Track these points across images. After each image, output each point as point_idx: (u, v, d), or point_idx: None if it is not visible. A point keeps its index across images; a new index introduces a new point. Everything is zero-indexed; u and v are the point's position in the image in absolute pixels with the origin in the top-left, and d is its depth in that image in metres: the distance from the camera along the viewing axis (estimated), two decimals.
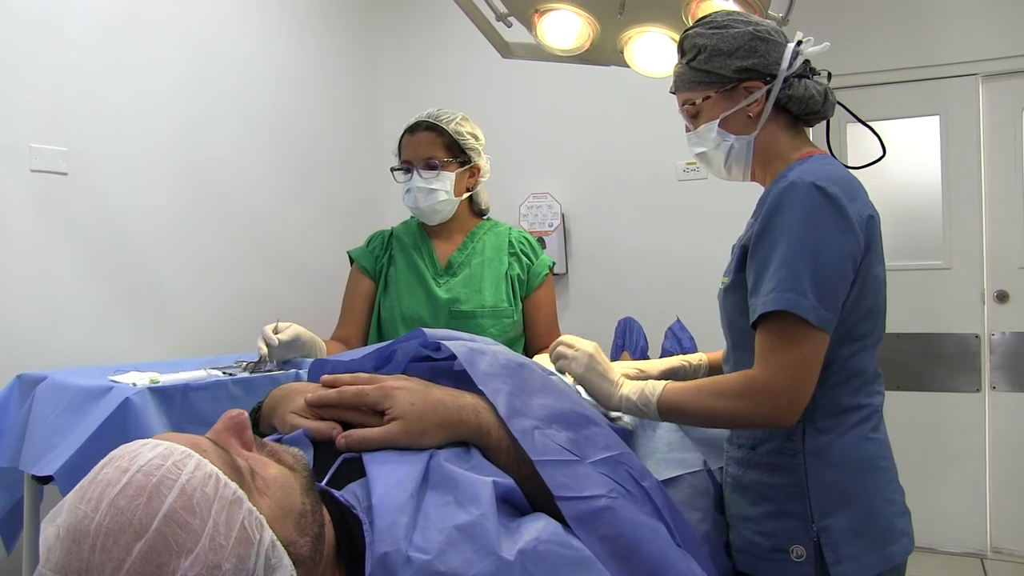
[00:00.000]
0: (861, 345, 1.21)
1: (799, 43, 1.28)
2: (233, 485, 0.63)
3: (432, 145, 1.92)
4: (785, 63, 1.26)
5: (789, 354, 1.12)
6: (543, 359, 1.84)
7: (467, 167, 1.97)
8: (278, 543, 0.65)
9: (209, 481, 0.62)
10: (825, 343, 1.14)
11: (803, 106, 1.28)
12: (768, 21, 1.31)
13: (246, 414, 0.73)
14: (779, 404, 1.12)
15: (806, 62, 1.29)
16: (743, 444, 1.28)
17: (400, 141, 1.98)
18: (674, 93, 1.39)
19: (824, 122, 1.38)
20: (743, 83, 1.27)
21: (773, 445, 1.23)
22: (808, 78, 1.29)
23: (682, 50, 1.34)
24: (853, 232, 1.15)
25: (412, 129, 1.95)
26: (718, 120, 1.29)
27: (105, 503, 0.59)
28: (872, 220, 1.19)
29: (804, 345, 1.12)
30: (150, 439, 0.66)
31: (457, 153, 1.95)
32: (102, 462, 0.64)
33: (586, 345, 1.31)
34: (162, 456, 0.62)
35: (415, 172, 1.92)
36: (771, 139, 1.29)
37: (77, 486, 0.63)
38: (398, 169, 1.97)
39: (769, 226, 1.16)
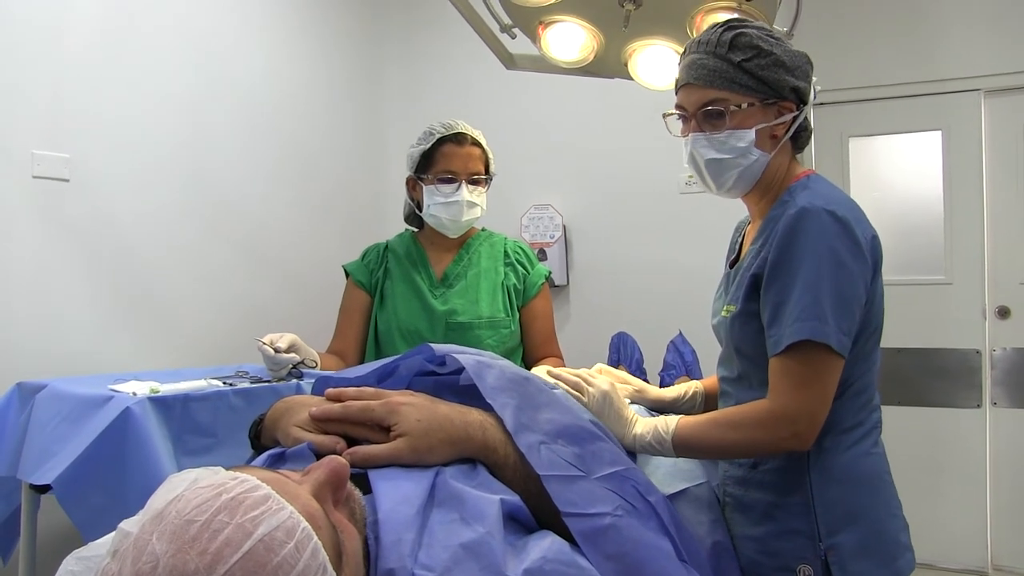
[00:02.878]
0: (869, 363, 1.22)
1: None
2: None
3: (478, 160, 1.94)
4: (812, 94, 1.27)
5: (809, 381, 1.12)
6: (542, 371, 1.84)
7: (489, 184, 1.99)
8: None
9: (320, 571, 0.62)
10: (841, 367, 1.14)
11: (806, 138, 1.31)
12: None
13: (348, 466, 0.73)
14: (798, 430, 1.12)
15: None
16: (743, 463, 1.27)
17: (431, 150, 1.91)
18: (690, 84, 1.26)
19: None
20: (782, 102, 1.24)
21: (776, 463, 1.22)
22: None
23: (729, 44, 1.21)
24: (863, 255, 1.16)
25: (458, 141, 1.91)
26: (754, 130, 1.23)
27: (222, 570, 0.58)
28: (875, 240, 1.20)
29: (823, 371, 1.12)
30: (264, 485, 0.64)
31: (488, 170, 1.97)
32: (215, 504, 0.62)
33: (601, 383, 1.26)
34: (286, 532, 0.62)
35: (463, 185, 1.90)
36: (778, 162, 1.29)
37: (180, 514, 0.61)
38: (442, 180, 1.90)
39: (786, 254, 1.15)
